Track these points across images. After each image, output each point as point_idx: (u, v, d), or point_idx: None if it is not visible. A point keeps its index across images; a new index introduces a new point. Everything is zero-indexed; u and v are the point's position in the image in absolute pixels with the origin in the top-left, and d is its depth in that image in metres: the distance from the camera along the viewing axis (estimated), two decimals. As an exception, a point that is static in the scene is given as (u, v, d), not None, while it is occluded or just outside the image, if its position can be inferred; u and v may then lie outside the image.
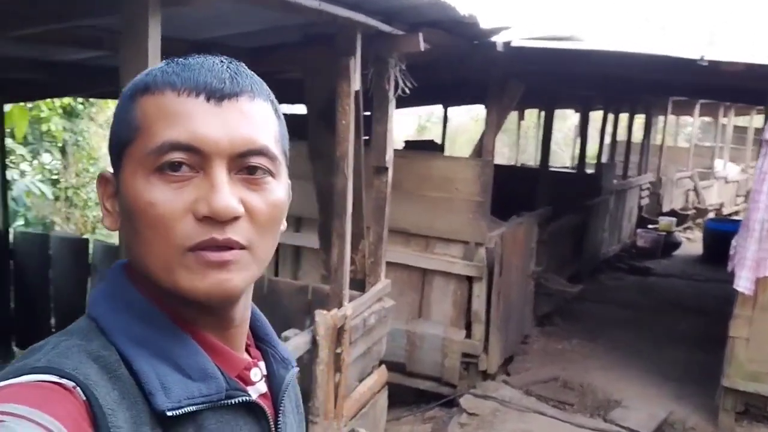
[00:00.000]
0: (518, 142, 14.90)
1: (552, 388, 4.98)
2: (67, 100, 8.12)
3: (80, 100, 8.40)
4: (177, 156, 0.64)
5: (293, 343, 2.95)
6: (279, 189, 0.71)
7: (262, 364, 0.78)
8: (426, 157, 5.19)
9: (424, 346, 4.87)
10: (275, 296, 3.76)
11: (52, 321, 4.54)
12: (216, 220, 0.64)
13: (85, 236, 6.12)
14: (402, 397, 4.72)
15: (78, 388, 0.58)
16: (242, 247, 0.66)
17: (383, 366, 4.03)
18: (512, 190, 6.49)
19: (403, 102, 3.91)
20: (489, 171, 4.75)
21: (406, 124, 17.80)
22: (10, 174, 5.97)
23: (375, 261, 3.92)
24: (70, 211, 8.75)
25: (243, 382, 0.72)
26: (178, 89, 0.66)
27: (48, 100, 7.51)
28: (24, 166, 7.65)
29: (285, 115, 0.77)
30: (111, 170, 0.72)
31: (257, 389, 0.75)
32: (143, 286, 0.69)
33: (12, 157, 6.84)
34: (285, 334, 3.02)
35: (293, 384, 0.84)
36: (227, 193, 0.64)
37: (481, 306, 4.80)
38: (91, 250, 4.42)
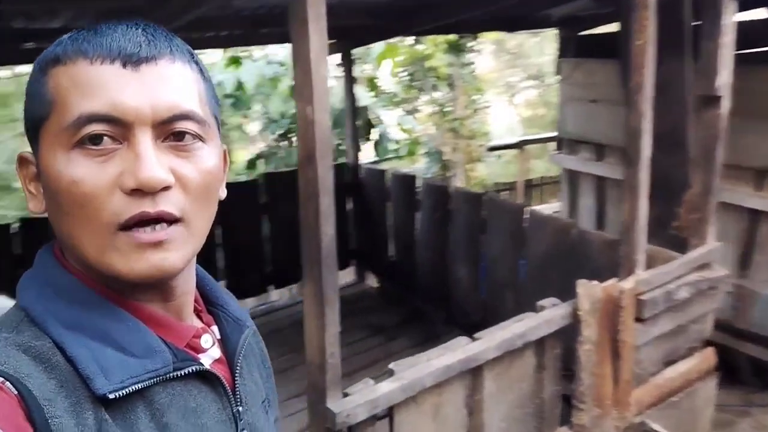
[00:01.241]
0: None
1: None
2: (451, 36, 8.49)
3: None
4: (97, 128, 0.61)
5: (546, 316, 2.52)
6: (211, 154, 0.67)
7: (215, 328, 0.77)
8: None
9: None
10: (585, 248, 3.29)
11: (390, 251, 4.94)
12: (145, 192, 0.60)
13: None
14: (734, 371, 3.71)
15: (7, 382, 0.56)
16: (176, 219, 0.63)
17: (709, 349, 3.19)
18: None
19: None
20: None
21: None
22: (383, 112, 6.58)
23: (701, 217, 3.06)
24: (456, 142, 9.31)
25: (194, 351, 0.71)
26: (91, 57, 0.62)
27: (431, 37, 7.98)
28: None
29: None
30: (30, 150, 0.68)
31: (210, 355, 0.73)
32: (75, 266, 0.67)
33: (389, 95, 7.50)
34: (541, 303, 2.60)
35: (255, 341, 0.84)
36: (154, 163, 0.61)
37: None
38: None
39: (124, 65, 0.62)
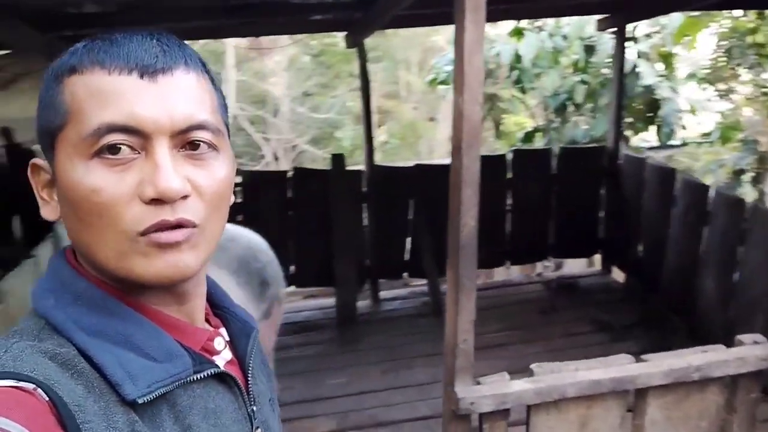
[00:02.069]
0: None
1: None
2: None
3: None
4: (116, 138, 0.62)
5: (740, 353, 2.16)
6: (224, 163, 0.69)
7: (223, 330, 0.79)
8: None
9: None
10: None
11: (639, 248, 4.56)
12: (164, 201, 0.62)
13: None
14: None
15: (39, 389, 0.56)
16: (194, 226, 0.65)
17: None
18: None
19: None
20: None
21: None
22: (671, 92, 5.92)
23: None
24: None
25: (208, 353, 0.73)
26: (108, 67, 0.63)
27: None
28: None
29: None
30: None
31: (223, 357, 0.76)
32: (90, 273, 0.68)
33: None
34: (740, 337, 2.22)
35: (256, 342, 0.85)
36: (173, 173, 0.63)
37: None
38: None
39: (142, 76, 0.63)
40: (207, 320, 0.78)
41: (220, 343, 0.75)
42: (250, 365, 0.78)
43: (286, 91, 12.62)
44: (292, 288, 4.88)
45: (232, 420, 0.72)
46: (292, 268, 4.60)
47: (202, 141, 0.66)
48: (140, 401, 0.61)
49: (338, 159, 4.41)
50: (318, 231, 4.49)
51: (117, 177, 0.62)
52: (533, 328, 4.26)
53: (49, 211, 0.69)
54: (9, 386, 0.56)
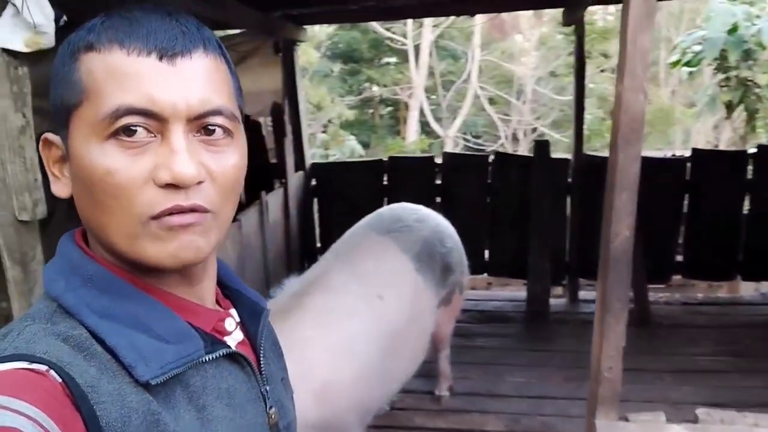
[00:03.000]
0: None
1: None
2: None
3: None
4: (133, 120, 0.61)
5: None
6: (238, 149, 0.69)
7: (233, 311, 0.78)
8: None
9: None
10: None
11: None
12: (179, 186, 0.62)
13: None
14: None
15: (51, 370, 0.57)
16: (206, 211, 0.65)
17: None
18: None
19: None
20: None
21: None
22: None
23: None
24: None
25: (219, 334, 0.73)
26: (127, 48, 0.62)
27: None
28: None
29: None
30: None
31: (234, 338, 0.75)
32: (100, 255, 0.68)
33: None
34: None
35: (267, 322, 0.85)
36: (188, 159, 0.62)
37: None
38: None
39: (161, 58, 0.62)
40: (217, 301, 0.77)
41: (231, 323, 0.75)
42: (262, 345, 0.78)
43: (531, 72, 12.25)
44: (484, 275, 4.74)
45: (245, 399, 0.72)
46: (486, 254, 4.46)
47: (217, 126, 0.65)
48: (153, 382, 0.61)
49: (542, 146, 4.14)
50: (515, 220, 4.28)
51: (132, 159, 0.62)
52: (757, 357, 3.59)
53: (59, 187, 0.68)
54: (22, 368, 0.56)
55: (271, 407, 0.76)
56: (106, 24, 0.63)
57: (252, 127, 4.46)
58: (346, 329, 2.27)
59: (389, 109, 13.73)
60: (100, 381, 0.59)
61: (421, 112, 12.29)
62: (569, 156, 4.31)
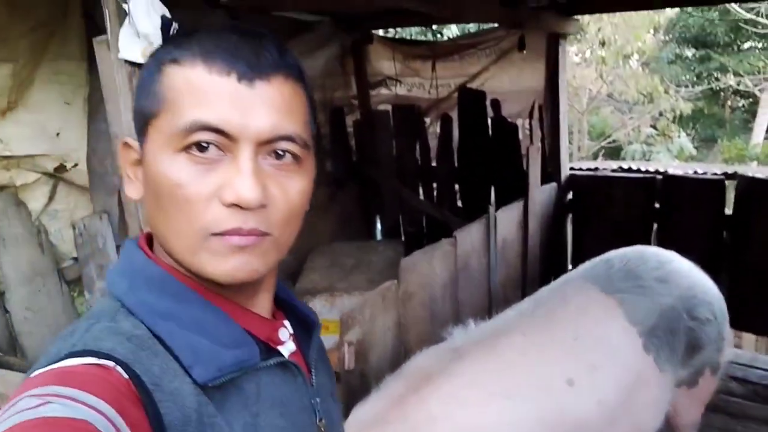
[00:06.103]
0: None
1: None
2: None
3: None
4: (206, 137, 0.63)
5: None
6: (305, 176, 0.70)
7: (287, 323, 0.80)
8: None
9: None
10: None
11: None
12: (242, 207, 0.64)
13: None
14: None
15: (118, 366, 0.59)
16: (265, 234, 0.66)
17: None
18: None
19: None
20: None
21: None
22: None
23: None
24: None
25: (273, 343, 0.75)
26: (210, 65, 0.64)
27: None
28: None
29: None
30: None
31: (287, 348, 0.77)
32: (163, 259, 0.70)
33: None
34: None
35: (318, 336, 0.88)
36: (254, 182, 0.63)
37: None
38: None
39: (240, 79, 0.63)
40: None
41: (284, 334, 0.77)
42: (313, 357, 0.81)
43: None
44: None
45: (298, 409, 0.74)
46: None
47: (287, 151, 0.67)
48: (210, 384, 0.64)
49: None
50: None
51: (201, 175, 0.63)
52: None
53: (132, 189, 0.71)
54: (90, 363, 0.58)
55: (321, 419, 0.78)
56: (194, 40, 0.65)
57: (508, 131, 4.03)
58: (494, 415, 1.72)
59: (745, 102, 11.70)
60: (162, 380, 0.61)
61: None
62: None
